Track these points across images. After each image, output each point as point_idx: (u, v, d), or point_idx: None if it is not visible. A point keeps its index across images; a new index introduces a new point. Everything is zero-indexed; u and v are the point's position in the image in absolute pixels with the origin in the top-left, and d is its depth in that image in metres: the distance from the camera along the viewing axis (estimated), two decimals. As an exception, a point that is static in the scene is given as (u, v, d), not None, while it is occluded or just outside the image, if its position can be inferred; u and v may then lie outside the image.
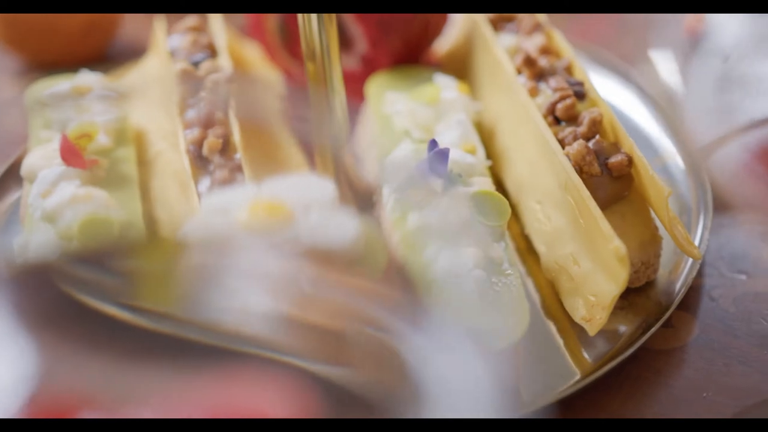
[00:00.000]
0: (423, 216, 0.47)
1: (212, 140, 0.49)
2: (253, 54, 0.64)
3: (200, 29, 0.58)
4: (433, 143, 0.48)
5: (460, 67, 0.61)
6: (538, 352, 0.47)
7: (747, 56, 0.26)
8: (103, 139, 0.52)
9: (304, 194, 0.43)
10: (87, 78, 0.57)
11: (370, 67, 0.60)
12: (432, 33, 0.62)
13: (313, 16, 0.49)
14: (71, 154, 0.49)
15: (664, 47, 0.30)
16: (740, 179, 0.31)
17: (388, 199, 0.48)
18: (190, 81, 0.53)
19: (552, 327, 0.48)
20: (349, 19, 0.59)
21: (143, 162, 0.54)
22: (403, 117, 0.53)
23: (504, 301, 0.43)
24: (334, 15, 0.49)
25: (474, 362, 0.24)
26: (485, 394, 0.23)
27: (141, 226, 0.48)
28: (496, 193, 0.48)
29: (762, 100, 0.28)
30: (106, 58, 0.72)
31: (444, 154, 0.47)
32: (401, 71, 0.59)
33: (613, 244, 0.43)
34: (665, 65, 0.30)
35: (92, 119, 0.52)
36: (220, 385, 0.25)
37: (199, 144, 0.49)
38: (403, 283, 0.40)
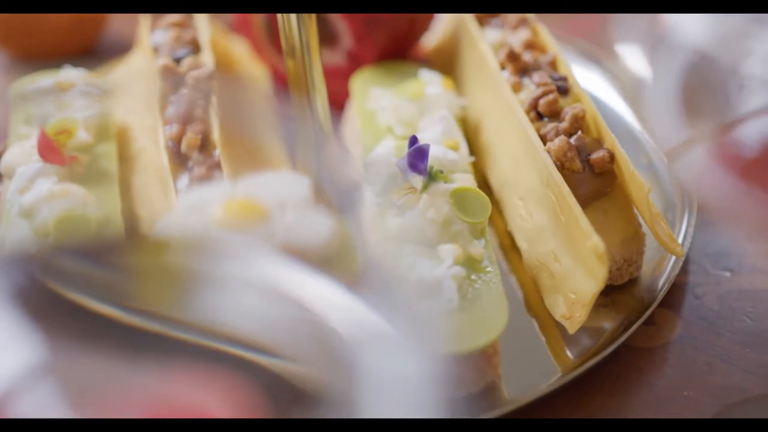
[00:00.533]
0: (403, 217, 0.46)
1: (191, 137, 0.48)
2: (240, 50, 0.63)
3: (184, 25, 0.58)
4: (414, 139, 0.48)
5: (447, 62, 0.60)
6: (520, 350, 0.46)
7: (713, 55, 0.26)
8: (83, 135, 0.52)
9: (279, 192, 0.43)
10: (70, 74, 0.57)
11: (355, 62, 0.60)
12: (419, 29, 0.61)
13: (292, 14, 0.48)
14: (49, 150, 0.49)
15: (633, 42, 0.29)
16: (707, 184, 0.30)
17: (369, 203, 0.48)
18: (171, 77, 0.52)
19: (534, 324, 0.47)
20: (334, 15, 0.59)
21: (126, 158, 0.54)
22: (387, 113, 0.53)
23: (483, 299, 0.43)
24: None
25: (417, 362, 0.24)
26: (424, 394, 0.23)
27: (119, 222, 0.48)
28: (477, 189, 0.47)
29: (730, 101, 0.28)
30: (95, 53, 0.72)
31: (423, 151, 0.47)
32: (386, 67, 0.59)
33: (591, 241, 0.43)
34: (633, 61, 0.30)
35: (72, 115, 0.52)
36: (163, 379, 0.25)
37: (178, 141, 0.49)
38: (376, 284, 0.39)
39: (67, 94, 0.55)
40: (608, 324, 0.46)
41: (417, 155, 0.47)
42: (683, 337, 0.46)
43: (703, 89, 0.28)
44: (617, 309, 0.47)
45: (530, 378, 0.44)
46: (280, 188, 0.43)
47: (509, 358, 0.46)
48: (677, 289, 0.48)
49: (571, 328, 0.44)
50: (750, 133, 0.30)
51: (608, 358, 0.45)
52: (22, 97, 0.55)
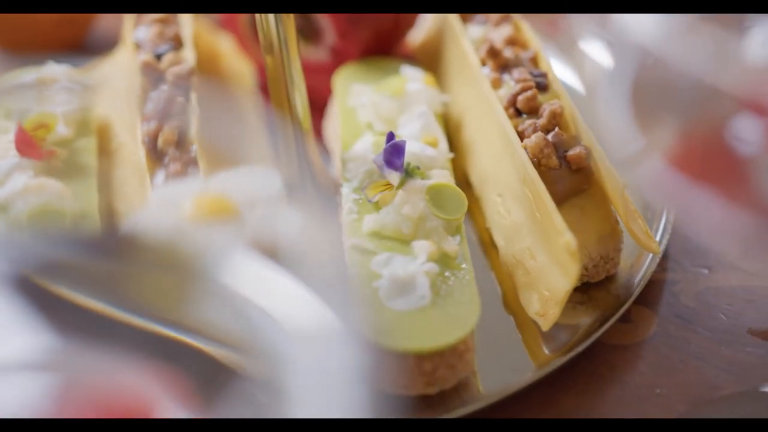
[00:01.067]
0: (379, 213, 0.46)
1: (167, 133, 0.48)
2: (225, 46, 0.63)
3: (167, 21, 0.58)
4: (390, 136, 0.48)
5: (432, 59, 0.60)
6: (497, 346, 0.46)
7: (665, 57, 0.26)
8: (62, 130, 0.52)
9: (250, 188, 0.43)
10: (53, 69, 0.57)
11: (339, 59, 0.59)
12: (403, 25, 0.61)
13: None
14: (26, 144, 0.49)
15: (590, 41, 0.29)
16: (664, 189, 0.30)
17: (346, 200, 0.48)
18: (151, 73, 0.53)
19: (512, 321, 0.47)
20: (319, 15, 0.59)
21: (106, 153, 0.54)
22: (367, 109, 0.53)
23: (456, 296, 0.43)
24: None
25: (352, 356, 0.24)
26: (352, 392, 0.23)
27: (96, 218, 0.48)
28: (453, 186, 0.47)
29: (682, 108, 0.28)
30: (83, 49, 0.72)
31: (400, 147, 0.47)
32: (370, 63, 0.59)
33: (564, 238, 0.43)
34: (590, 63, 0.30)
35: (52, 110, 0.52)
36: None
37: (154, 136, 0.49)
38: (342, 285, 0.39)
39: (48, 89, 0.55)
40: (584, 321, 0.46)
41: (393, 152, 0.47)
42: (659, 334, 0.46)
43: (656, 92, 0.28)
44: (594, 306, 0.47)
45: (505, 375, 0.44)
46: (252, 184, 0.43)
47: (486, 354, 0.46)
48: (654, 286, 0.48)
49: (545, 325, 0.44)
50: (707, 135, 0.30)
51: (582, 355, 0.45)
52: (2, 91, 0.55)
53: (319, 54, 0.60)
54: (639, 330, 0.46)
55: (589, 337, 0.45)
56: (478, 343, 0.45)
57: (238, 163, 0.53)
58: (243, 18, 0.62)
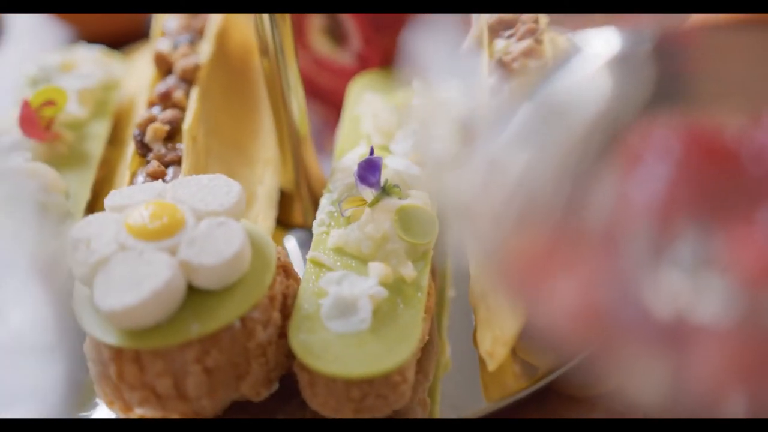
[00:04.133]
0: (345, 228, 0.45)
1: (157, 127, 0.49)
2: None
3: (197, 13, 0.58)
4: (371, 151, 0.47)
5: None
6: (456, 378, 0.45)
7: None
8: (74, 109, 0.53)
9: (207, 200, 0.42)
10: (82, 52, 0.58)
11: (363, 64, 0.59)
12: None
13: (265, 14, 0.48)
14: (30, 123, 0.50)
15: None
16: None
17: (321, 211, 0.47)
18: (162, 64, 0.53)
19: (476, 353, 0.46)
20: (345, 15, 0.58)
21: (119, 141, 0.55)
22: (368, 120, 0.52)
23: (398, 325, 0.42)
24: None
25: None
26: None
27: (80, 215, 0.48)
28: (426, 209, 0.46)
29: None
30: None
31: (375, 164, 0.46)
32: (390, 72, 0.58)
33: (510, 279, 0.41)
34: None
35: (60, 85, 0.52)
36: None
37: (145, 129, 0.49)
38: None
39: (70, 72, 0.56)
40: (546, 364, 0.44)
41: (368, 167, 0.46)
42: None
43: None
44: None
45: (459, 404, 0.43)
46: (211, 196, 0.43)
47: (446, 384, 0.45)
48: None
49: (491, 365, 0.43)
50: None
51: (531, 399, 0.43)
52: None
53: (345, 58, 0.60)
54: (598, 382, 0.43)
55: (540, 380, 0.43)
56: (445, 372, 0.45)
57: (230, 163, 0.53)
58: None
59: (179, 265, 0.40)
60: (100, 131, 0.54)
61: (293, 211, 0.54)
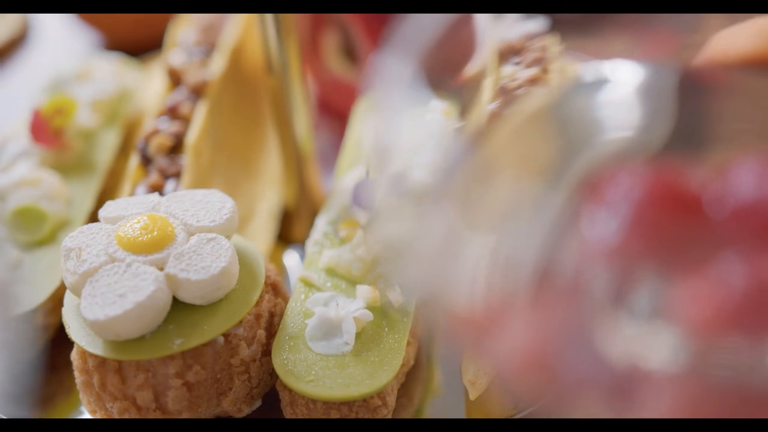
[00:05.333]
0: (338, 249, 0.46)
1: (161, 139, 0.49)
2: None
3: (212, 26, 0.59)
4: (368, 172, 0.47)
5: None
6: (445, 403, 0.45)
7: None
8: (85, 118, 0.54)
9: (200, 215, 0.43)
10: (98, 62, 0.59)
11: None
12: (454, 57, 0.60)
13: (272, 30, 0.48)
14: (39, 130, 0.51)
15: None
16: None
17: (316, 230, 0.47)
18: (174, 76, 0.54)
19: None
20: (359, 34, 0.58)
21: (131, 151, 0.56)
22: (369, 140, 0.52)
23: (381, 349, 0.42)
24: (294, 29, 0.49)
25: None
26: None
27: (81, 222, 0.49)
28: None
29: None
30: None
31: (370, 186, 0.46)
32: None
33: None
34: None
35: (71, 95, 0.53)
36: None
37: (149, 140, 0.50)
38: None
39: (85, 79, 0.57)
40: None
41: (363, 189, 0.46)
42: None
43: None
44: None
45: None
46: (204, 211, 0.43)
47: (433, 409, 0.45)
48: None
49: (472, 394, 0.42)
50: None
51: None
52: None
53: (358, 77, 0.60)
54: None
55: (523, 410, 0.43)
56: (434, 396, 0.45)
57: (234, 178, 0.53)
58: (306, 30, 0.63)
59: (165, 279, 0.40)
60: (110, 141, 0.54)
61: (295, 227, 0.55)
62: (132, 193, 0.48)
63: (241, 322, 0.41)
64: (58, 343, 0.47)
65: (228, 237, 0.43)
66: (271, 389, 0.43)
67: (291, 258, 0.54)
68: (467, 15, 0.56)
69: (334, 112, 0.63)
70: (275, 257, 0.53)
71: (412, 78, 0.40)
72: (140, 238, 0.41)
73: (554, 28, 0.55)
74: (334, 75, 0.62)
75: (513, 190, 0.33)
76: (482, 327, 0.26)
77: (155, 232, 0.41)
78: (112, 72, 0.58)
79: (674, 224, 0.27)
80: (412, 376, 0.45)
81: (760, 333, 0.24)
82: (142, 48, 0.69)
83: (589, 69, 0.55)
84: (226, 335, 0.41)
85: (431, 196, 0.29)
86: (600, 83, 0.53)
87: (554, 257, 0.28)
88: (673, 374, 0.26)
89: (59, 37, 0.75)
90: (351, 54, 0.60)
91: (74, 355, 0.42)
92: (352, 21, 0.59)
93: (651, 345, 0.26)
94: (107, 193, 0.52)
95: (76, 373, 0.42)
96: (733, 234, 0.26)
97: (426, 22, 0.34)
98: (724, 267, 0.25)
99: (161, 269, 0.40)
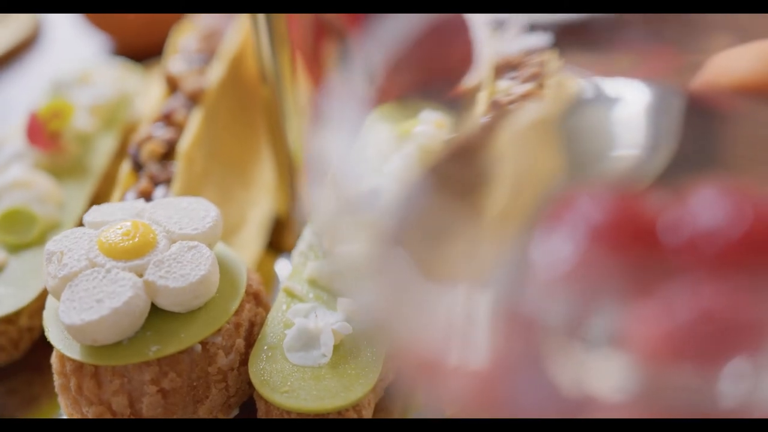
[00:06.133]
0: (322, 261, 0.46)
1: (153, 145, 0.50)
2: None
3: (214, 34, 0.59)
4: (355, 185, 0.47)
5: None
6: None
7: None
8: (82, 122, 0.54)
9: (183, 223, 0.43)
10: (101, 67, 0.59)
11: (383, 97, 0.59)
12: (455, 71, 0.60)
13: (265, 39, 0.48)
14: (35, 132, 0.51)
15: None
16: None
17: (302, 240, 0.47)
18: (171, 83, 0.54)
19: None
20: (356, 42, 0.58)
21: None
22: (365, 150, 0.52)
23: (359, 362, 0.42)
24: (287, 40, 0.49)
25: None
26: None
27: (71, 225, 0.49)
28: (403, 247, 0.46)
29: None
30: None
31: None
32: (408, 105, 0.58)
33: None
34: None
35: (68, 99, 0.54)
36: None
37: (141, 146, 0.50)
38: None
39: (86, 83, 0.58)
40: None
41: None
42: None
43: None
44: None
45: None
46: (187, 219, 0.43)
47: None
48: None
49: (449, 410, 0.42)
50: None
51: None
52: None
53: (367, 89, 0.60)
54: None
55: None
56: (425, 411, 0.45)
57: (227, 186, 0.54)
58: (307, 38, 0.63)
59: (144, 285, 0.40)
60: (107, 146, 0.55)
61: (287, 236, 0.55)
62: (122, 199, 0.48)
63: (219, 330, 0.41)
64: (44, 345, 0.47)
65: (210, 245, 0.43)
66: (250, 398, 0.43)
67: (282, 267, 0.54)
68: (464, 27, 0.56)
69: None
70: (267, 265, 0.53)
71: (365, 95, 0.40)
72: (121, 244, 0.41)
73: (556, 43, 0.55)
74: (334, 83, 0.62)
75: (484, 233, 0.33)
76: (433, 364, 0.26)
77: (136, 239, 0.41)
78: (113, 77, 0.58)
79: (629, 250, 0.26)
80: (392, 391, 0.45)
81: (705, 362, 0.24)
82: (150, 53, 0.69)
83: (590, 85, 0.55)
84: (204, 343, 0.41)
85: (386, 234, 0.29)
86: (602, 100, 0.53)
87: (513, 285, 0.28)
88: (622, 401, 0.25)
89: (69, 40, 0.75)
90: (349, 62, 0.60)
91: (54, 358, 0.42)
92: (350, 29, 0.59)
93: (602, 372, 0.26)
94: (101, 197, 0.53)
95: (55, 376, 0.42)
96: (685, 262, 0.26)
97: (389, 37, 0.34)
98: (674, 295, 0.25)
99: (141, 276, 0.41)
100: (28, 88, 0.57)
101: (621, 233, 0.27)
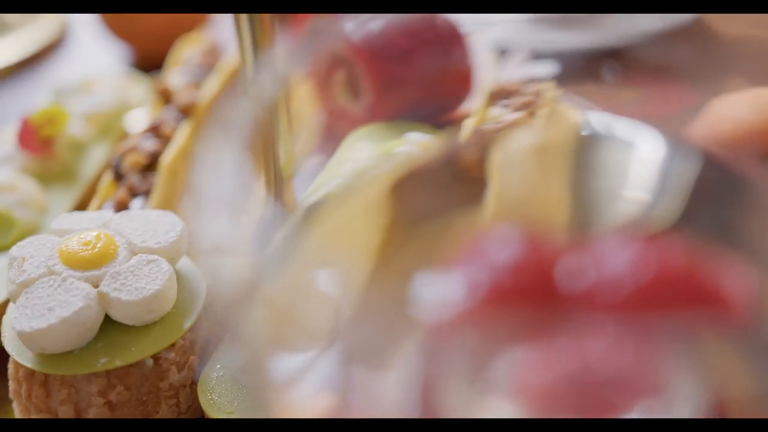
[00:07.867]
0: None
1: (135, 156, 0.50)
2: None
3: (220, 48, 0.59)
4: (328, 206, 0.47)
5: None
6: None
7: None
8: (76, 130, 0.55)
9: (146, 236, 0.43)
10: (104, 76, 0.60)
11: (373, 116, 0.59)
12: (449, 96, 0.59)
13: (250, 56, 0.48)
14: (26, 138, 0.52)
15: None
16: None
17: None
18: (165, 96, 0.55)
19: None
20: (361, 71, 0.58)
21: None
22: (347, 164, 0.52)
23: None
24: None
25: None
26: None
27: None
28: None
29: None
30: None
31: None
32: (396, 125, 0.57)
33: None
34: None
35: (63, 106, 0.54)
36: None
37: (123, 157, 0.50)
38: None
39: (89, 90, 0.59)
40: None
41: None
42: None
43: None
44: None
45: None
46: (151, 232, 0.43)
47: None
48: None
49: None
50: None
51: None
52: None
53: (358, 109, 0.60)
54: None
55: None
56: None
57: (208, 202, 0.54)
58: (322, 71, 0.63)
59: (98, 296, 0.40)
60: (99, 154, 0.55)
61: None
62: (99, 208, 0.49)
63: (173, 346, 0.41)
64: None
65: (173, 260, 0.43)
66: (201, 417, 0.43)
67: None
68: (465, 52, 0.56)
69: (338, 138, 0.63)
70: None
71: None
72: (80, 254, 0.41)
73: (560, 73, 0.54)
74: (339, 107, 0.62)
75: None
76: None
77: (96, 249, 0.42)
78: (115, 86, 0.59)
79: (529, 295, 0.26)
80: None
81: (585, 414, 0.23)
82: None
83: (590, 118, 0.53)
84: (156, 358, 0.41)
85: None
86: (599, 136, 0.52)
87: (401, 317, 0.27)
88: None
89: (93, 46, 0.77)
90: (354, 88, 0.60)
91: (9, 363, 0.43)
92: (358, 61, 0.59)
93: (488, 417, 0.25)
94: (85, 205, 0.53)
95: (10, 382, 0.42)
96: (580, 310, 0.25)
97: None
98: (561, 346, 0.24)
99: (96, 286, 0.41)
100: (46, 92, 0.58)
101: (521, 278, 0.26)
